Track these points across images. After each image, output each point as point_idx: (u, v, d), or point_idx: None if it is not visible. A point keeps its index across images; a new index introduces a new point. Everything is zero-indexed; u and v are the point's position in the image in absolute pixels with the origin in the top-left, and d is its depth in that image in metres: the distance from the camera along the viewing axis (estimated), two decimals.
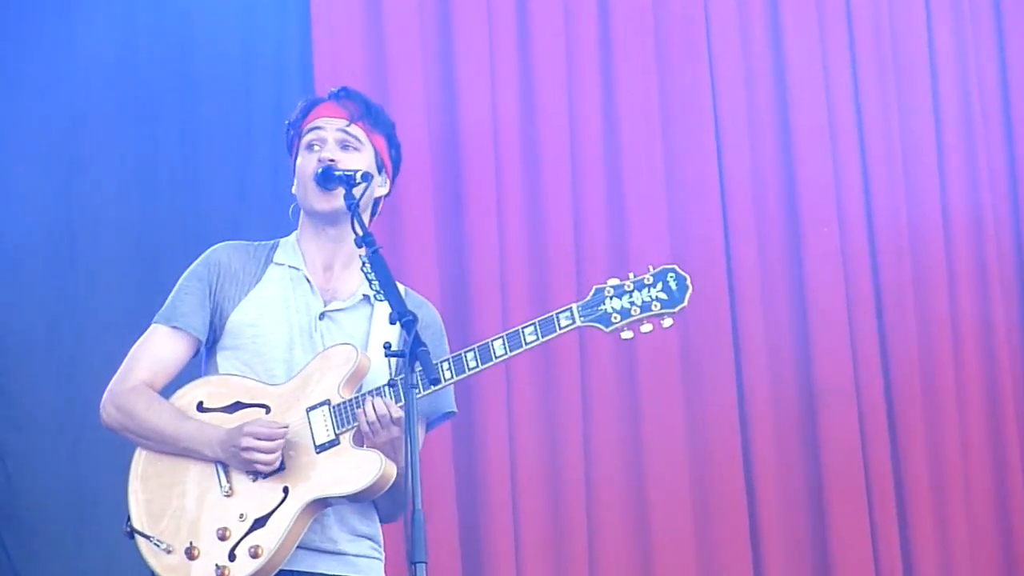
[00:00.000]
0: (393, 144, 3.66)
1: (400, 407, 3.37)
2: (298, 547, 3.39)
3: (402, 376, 3.28)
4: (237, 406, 3.48)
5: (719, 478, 5.66)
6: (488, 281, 5.44)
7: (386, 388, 3.41)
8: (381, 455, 3.37)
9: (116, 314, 5.02)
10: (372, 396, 3.39)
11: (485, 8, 5.60)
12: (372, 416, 3.37)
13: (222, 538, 3.38)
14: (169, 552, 3.40)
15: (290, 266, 3.60)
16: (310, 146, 3.59)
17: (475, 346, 3.44)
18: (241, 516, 3.39)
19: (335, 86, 3.72)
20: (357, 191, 3.46)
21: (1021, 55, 6.29)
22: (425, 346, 3.14)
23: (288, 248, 3.64)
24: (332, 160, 3.52)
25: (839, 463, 5.77)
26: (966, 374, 6.02)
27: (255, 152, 5.20)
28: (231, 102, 5.27)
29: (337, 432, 3.42)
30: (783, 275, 5.89)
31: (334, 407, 3.43)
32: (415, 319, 3.18)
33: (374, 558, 3.57)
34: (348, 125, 3.58)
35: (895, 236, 5.99)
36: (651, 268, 3.52)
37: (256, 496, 3.40)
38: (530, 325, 3.45)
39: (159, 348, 3.56)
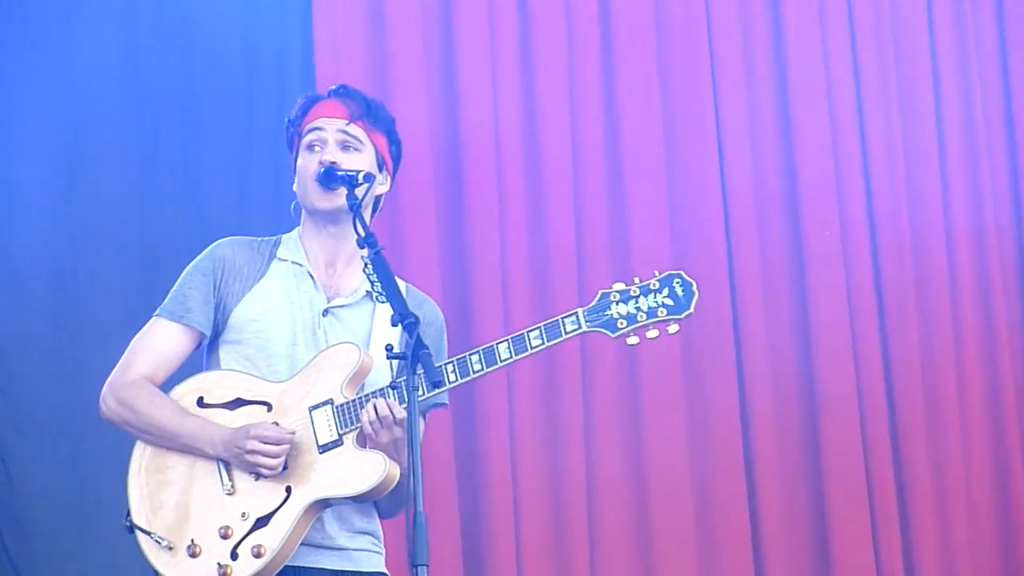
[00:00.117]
0: (393, 141, 3.66)
1: (403, 408, 3.36)
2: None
3: (404, 378, 3.27)
4: (238, 402, 3.48)
5: (720, 481, 5.67)
6: (489, 283, 5.43)
7: (388, 390, 3.40)
8: (385, 456, 3.36)
9: (117, 316, 4.99)
10: (375, 397, 3.39)
11: (486, 10, 5.59)
12: (374, 417, 3.36)
13: (224, 536, 3.37)
14: (170, 549, 3.39)
15: (293, 262, 3.60)
16: (310, 146, 3.58)
17: (479, 349, 3.43)
18: (243, 515, 3.38)
19: (334, 84, 3.71)
20: (359, 191, 3.46)
21: (1023, 57, 6.28)
22: (427, 348, 3.13)
23: (291, 244, 3.63)
24: (333, 162, 3.52)
25: (841, 466, 5.77)
26: (968, 377, 6.02)
27: (257, 154, 5.20)
28: (233, 104, 5.27)
29: (340, 432, 3.41)
30: (785, 278, 5.89)
31: (337, 407, 3.42)
32: (417, 321, 3.17)
33: (374, 552, 3.56)
34: (348, 125, 3.57)
35: (897, 239, 5.99)
36: (656, 273, 3.51)
37: (258, 495, 3.39)
38: (535, 329, 3.44)
39: (161, 342, 3.55)
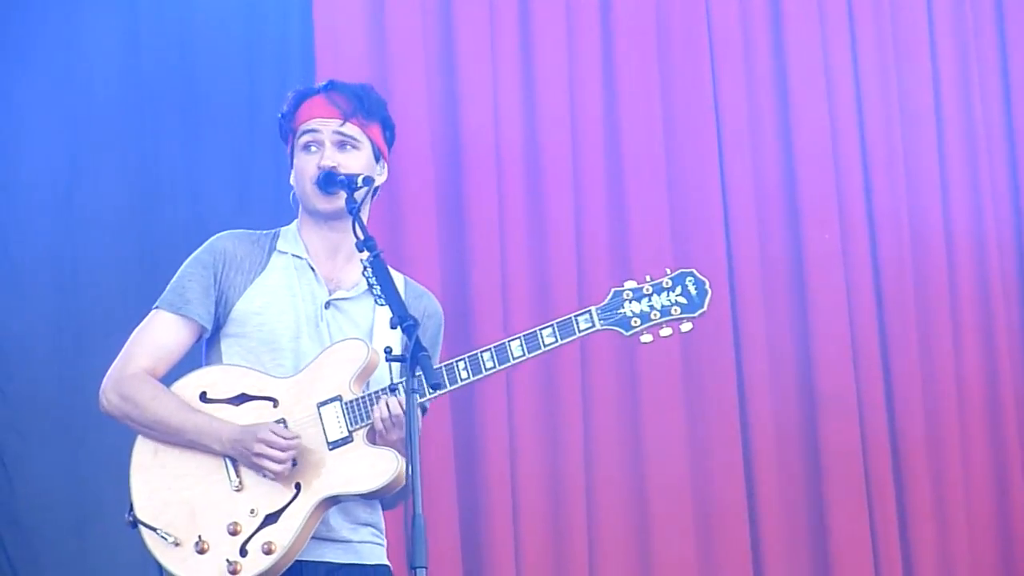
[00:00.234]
0: (387, 127, 3.65)
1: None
2: None
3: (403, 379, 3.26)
4: (243, 398, 3.45)
5: (720, 483, 5.65)
6: (489, 285, 5.41)
7: (389, 393, 3.38)
8: (396, 453, 3.34)
9: (118, 317, 4.88)
10: (387, 394, 3.36)
11: (487, 12, 5.57)
12: (387, 414, 3.34)
13: (232, 533, 3.34)
14: (177, 545, 3.36)
15: (293, 255, 3.58)
16: (307, 147, 3.56)
17: (491, 347, 3.41)
18: (252, 511, 3.36)
19: (324, 80, 3.70)
20: (359, 195, 3.44)
21: (1023, 59, 6.29)
22: (426, 351, 3.11)
23: (290, 237, 3.61)
24: (332, 166, 3.50)
25: (840, 469, 5.77)
26: (967, 380, 6.02)
27: (257, 154, 5.19)
28: (233, 104, 5.25)
29: (350, 429, 3.39)
30: (784, 280, 5.88)
31: (346, 403, 3.40)
32: (416, 324, 3.15)
33: (376, 544, 3.54)
34: (343, 125, 3.55)
35: (896, 241, 5.99)
36: (668, 271, 3.51)
37: (267, 491, 3.36)
38: (548, 327, 3.43)
39: (162, 335, 3.52)
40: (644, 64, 5.81)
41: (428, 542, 2.97)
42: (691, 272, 3.51)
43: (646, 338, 3.48)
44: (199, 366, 3.56)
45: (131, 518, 3.41)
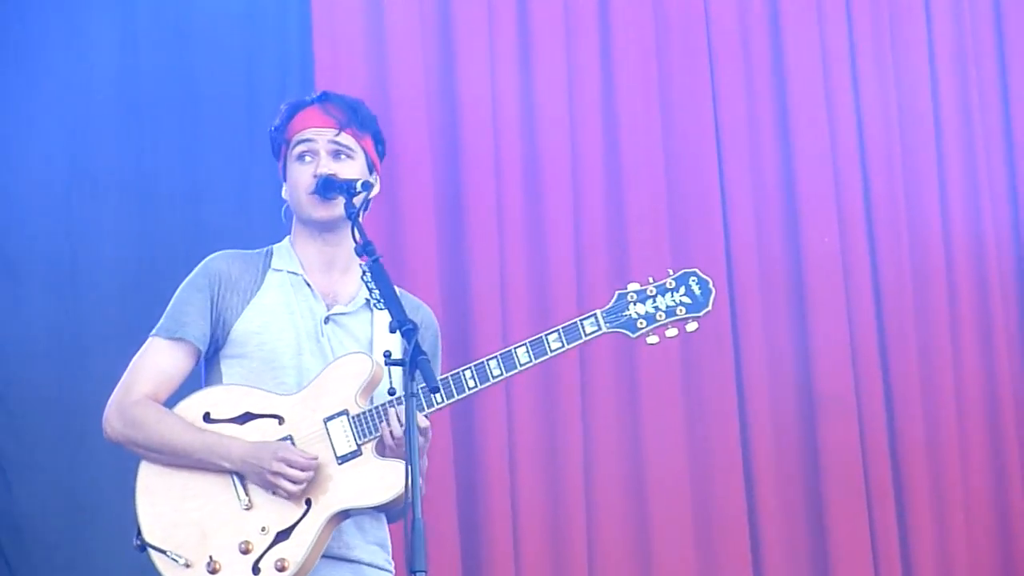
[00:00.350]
0: (379, 140, 3.65)
1: (424, 416, 3.36)
2: None
3: (421, 384, 3.24)
4: (247, 416, 3.43)
5: (719, 485, 5.64)
6: (488, 289, 5.40)
7: (396, 404, 3.36)
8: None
9: (116, 324, 4.97)
10: (395, 406, 3.35)
11: (486, 13, 5.57)
12: (396, 426, 3.33)
13: (244, 551, 3.32)
14: (188, 567, 3.33)
15: (288, 271, 3.57)
16: (301, 157, 3.56)
17: (497, 354, 3.42)
18: (263, 529, 3.34)
19: (317, 92, 3.70)
20: (357, 200, 3.43)
21: (1021, 60, 6.29)
22: (425, 355, 3.10)
23: (283, 253, 3.60)
24: (330, 174, 3.50)
25: (839, 470, 5.76)
26: (966, 381, 6.02)
27: (257, 160, 5.16)
28: (232, 109, 5.24)
29: (359, 443, 3.38)
30: (783, 282, 5.87)
31: (353, 417, 3.38)
32: (415, 328, 3.14)
33: (387, 571, 3.53)
34: (338, 134, 3.55)
35: (895, 243, 5.98)
36: (671, 272, 3.53)
37: (277, 509, 3.35)
38: (553, 332, 3.44)
39: (161, 360, 3.50)
40: (643, 67, 5.80)
41: (427, 543, 2.97)
42: (694, 272, 3.53)
43: (652, 339, 3.48)
44: (197, 389, 3.54)
45: (139, 542, 3.39)
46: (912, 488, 5.87)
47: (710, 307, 3.50)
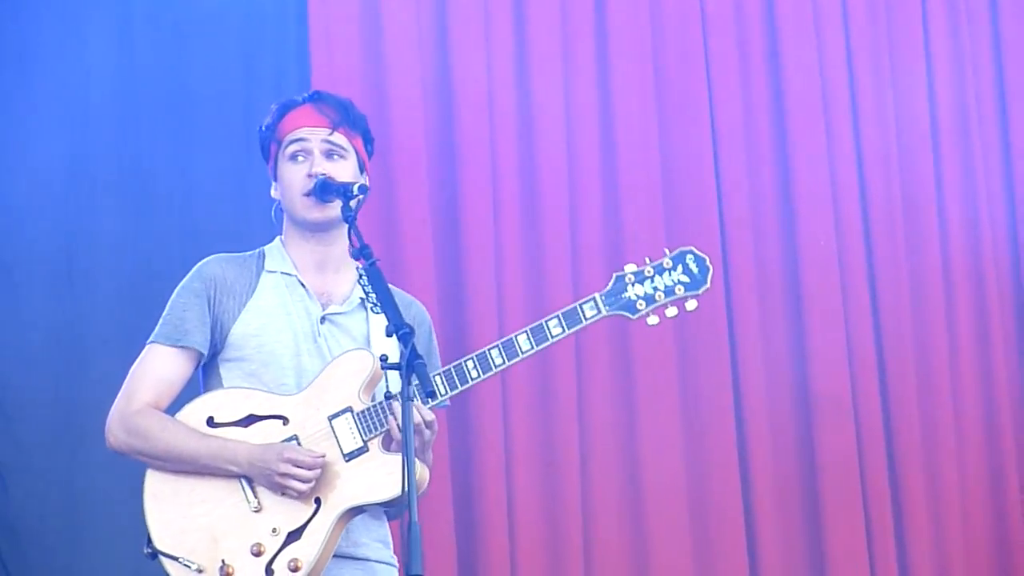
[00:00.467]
0: (369, 139, 3.65)
1: (429, 409, 3.36)
2: None
3: (417, 385, 3.23)
4: (251, 419, 3.43)
5: (716, 486, 5.62)
6: (484, 287, 5.38)
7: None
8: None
9: (114, 326, 4.97)
10: (399, 400, 3.34)
11: (482, 13, 5.54)
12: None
13: (256, 554, 3.32)
14: (200, 572, 3.33)
15: (283, 272, 3.57)
16: (294, 156, 3.55)
17: (499, 343, 3.43)
18: (274, 530, 3.33)
19: (308, 92, 3.69)
20: (354, 203, 3.42)
21: (1018, 63, 6.27)
22: (422, 359, 3.11)
23: (276, 254, 3.60)
24: (326, 174, 3.49)
25: (836, 472, 5.73)
26: (963, 383, 6.01)
27: (253, 162, 5.13)
28: (229, 114, 5.22)
29: (365, 439, 3.38)
30: (780, 285, 5.85)
31: (358, 414, 3.39)
32: (412, 332, 3.14)
33: (393, 566, 3.53)
34: (331, 134, 3.55)
35: (892, 246, 5.97)
36: (667, 251, 3.54)
37: (287, 509, 3.34)
38: (554, 318, 3.44)
39: (161, 367, 3.49)
40: (639, 72, 5.77)
41: (423, 539, 2.97)
42: (690, 250, 3.53)
43: (652, 320, 3.49)
44: (196, 395, 3.53)
45: (150, 550, 3.38)
46: (908, 489, 5.85)
47: (708, 284, 3.50)
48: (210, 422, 3.43)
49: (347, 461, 3.36)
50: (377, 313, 3.42)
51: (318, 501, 3.34)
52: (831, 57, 6.03)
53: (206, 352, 3.50)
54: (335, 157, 3.54)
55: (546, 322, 3.44)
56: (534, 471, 5.41)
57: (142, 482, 3.44)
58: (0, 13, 5.12)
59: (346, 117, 3.57)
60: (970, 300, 6.08)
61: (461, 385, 3.41)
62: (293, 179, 3.53)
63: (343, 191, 3.43)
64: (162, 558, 3.36)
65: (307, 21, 5.30)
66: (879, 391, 5.88)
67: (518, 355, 3.41)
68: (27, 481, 4.96)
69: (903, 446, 5.88)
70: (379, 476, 3.34)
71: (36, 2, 5.17)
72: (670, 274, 3.49)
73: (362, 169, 3.60)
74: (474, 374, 3.40)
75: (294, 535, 3.32)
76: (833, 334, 5.82)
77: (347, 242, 3.50)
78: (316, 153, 3.53)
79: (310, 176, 3.50)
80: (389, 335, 3.15)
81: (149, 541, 3.38)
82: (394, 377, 3.27)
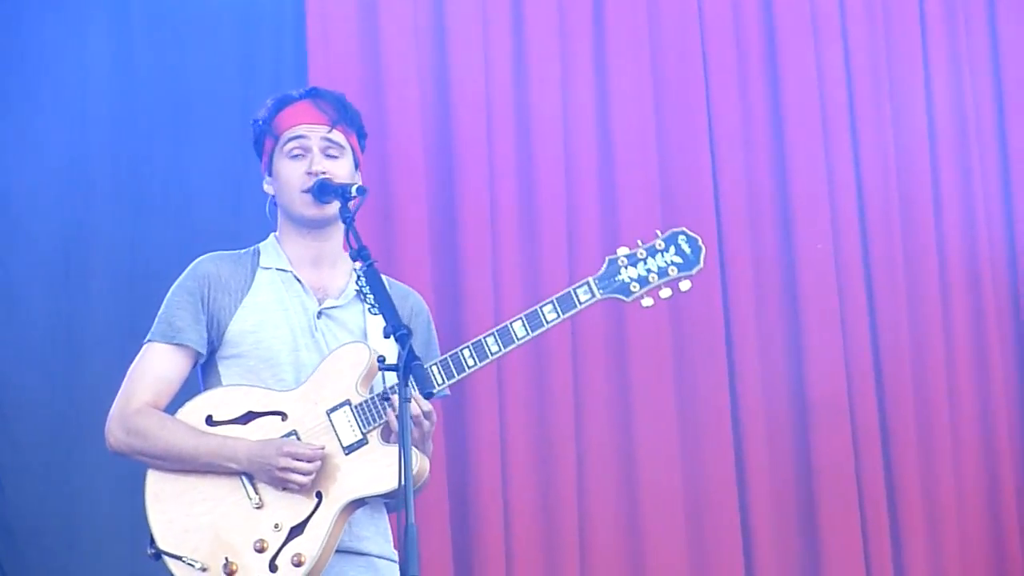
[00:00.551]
0: (362, 135, 3.65)
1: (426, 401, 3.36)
2: None
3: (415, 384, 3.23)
4: (250, 416, 3.43)
5: (712, 490, 5.62)
6: (481, 290, 5.38)
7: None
8: (414, 450, 3.31)
9: (110, 327, 4.98)
10: (396, 392, 3.34)
11: (479, 12, 5.53)
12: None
13: (259, 550, 3.32)
14: (204, 570, 3.33)
15: (278, 268, 3.57)
16: (293, 153, 3.55)
17: (494, 330, 3.43)
18: (276, 526, 3.34)
19: (304, 87, 3.69)
20: (352, 205, 3.42)
21: (1015, 64, 6.26)
22: (419, 360, 3.12)
23: (270, 251, 3.60)
24: (325, 174, 3.50)
25: (832, 476, 5.73)
26: (959, 387, 6.00)
27: (251, 165, 5.13)
28: (227, 115, 5.22)
29: (364, 431, 3.38)
30: (777, 289, 5.84)
31: (356, 406, 3.39)
32: (410, 333, 3.14)
33: (393, 560, 3.53)
34: (330, 131, 3.56)
35: (889, 249, 5.96)
36: (659, 233, 3.53)
37: (288, 505, 3.35)
38: (548, 304, 3.44)
39: (159, 366, 3.49)
40: (637, 69, 5.76)
41: (419, 531, 2.99)
42: (682, 230, 3.53)
43: (647, 302, 3.49)
44: (196, 394, 3.53)
45: (153, 550, 3.38)
46: (904, 491, 5.84)
47: (701, 264, 3.50)
48: (209, 420, 3.44)
49: (347, 454, 3.37)
50: (375, 314, 3.42)
51: (319, 495, 3.34)
52: (829, 58, 6.01)
53: (203, 350, 3.50)
54: (333, 155, 3.55)
55: (541, 308, 3.44)
56: (530, 470, 5.41)
57: (143, 483, 3.43)
58: None
59: (344, 114, 3.58)
60: (967, 302, 6.07)
61: (458, 374, 3.40)
62: (291, 176, 3.53)
63: (341, 192, 3.43)
64: (166, 558, 3.36)
65: (304, 21, 5.30)
66: (875, 392, 5.88)
67: (514, 341, 3.41)
68: (24, 481, 4.97)
69: (899, 448, 5.87)
70: (379, 468, 3.34)
71: (35, 3, 5.17)
72: (663, 255, 3.49)
73: (356, 166, 3.60)
74: (471, 363, 3.39)
75: (296, 530, 3.32)
76: (830, 336, 5.81)
77: (342, 237, 3.52)
78: (315, 151, 3.53)
79: (309, 174, 3.50)
80: (387, 336, 3.15)
81: (152, 542, 3.38)
82: (393, 378, 3.25)
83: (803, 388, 5.78)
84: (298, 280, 3.55)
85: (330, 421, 3.39)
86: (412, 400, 3.29)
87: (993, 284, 6.12)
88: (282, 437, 3.38)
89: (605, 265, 3.49)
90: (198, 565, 3.33)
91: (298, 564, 3.30)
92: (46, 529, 4.94)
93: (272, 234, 3.64)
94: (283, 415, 3.42)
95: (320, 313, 3.52)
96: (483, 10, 5.55)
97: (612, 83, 5.73)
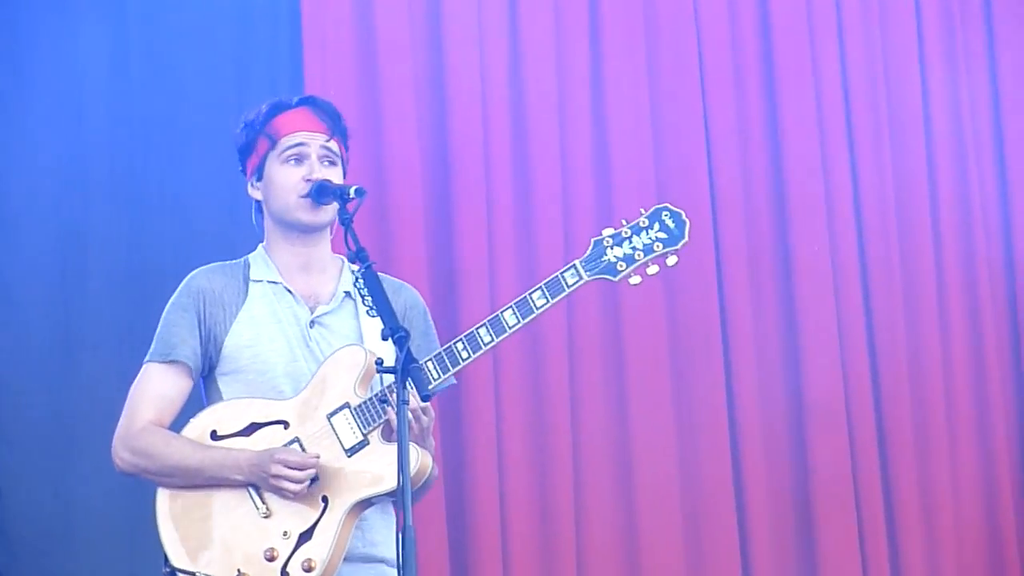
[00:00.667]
0: (347, 144, 3.68)
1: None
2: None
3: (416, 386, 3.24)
4: (253, 427, 3.45)
5: (709, 492, 5.60)
6: (478, 291, 5.38)
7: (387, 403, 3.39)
8: (415, 446, 3.34)
9: (107, 332, 4.98)
10: (394, 391, 3.35)
11: (475, 13, 5.52)
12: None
13: (270, 559, 3.34)
14: None
15: (268, 281, 3.58)
16: (290, 159, 3.56)
17: (486, 321, 3.43)
18: (285, 534, 3.35)
19: (299, 95, 3.72)
20: (351, 206, 3.43)
21: (1011, 61, 6.25)
22: (417, 362, 3.14)
23: (259, 262, 3.62)
24: (325, 180, 3.52)
25: (828, 479, 5.72)
26: (956, 389, 5.99)
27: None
28: (222, 119, 5.18)
29: (364, 432, 3.40)
30: (773, 290, 5.83)
31: (355, 408, 3.40)
32: (407, 335, 3.15)
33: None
34: (328, 140, 3.58)
35: (885, 250, 5.95)
36: (643, 211, 3.53)
37: (295, 511, 3.36)
38: (536, 290, 3.44)
39: (159, 385, 3.52)
40: (633, 67, 5.75)
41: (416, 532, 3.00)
42: (665, 207, 3.54)
43: (634, 280, 3.49)
44: (200, 409, 3.55)
45: (168, 570, 3.41)
46: (901, 493, 5.83)
47: (687, 238, 3.50)
48: (214, 435, 3.46)
49: (349, 456, 3.38)
50: (373, 316, 3.44)
51: (325, 500, 3.36)
52: (825, 58, 6.00)
53: (198, 366, 3.52)
54: (328, 163, 3.57)
55: (530, 294, 3.44)
56: (526, 469, 5.40)
57: (153, 503, 3.45)
58: None
59: (338, 124, 3.61)
60: (963, 303, 6.06)
61: (452, 367, 3.41)
62: (287, 181, 3.55)
63: (340, 194, 3.45)
64: (180, 575, 3.38)
65: (300, 21, 5.30)
66: (872, 393, 5.86)
67: (505, 331, 3.41)
68: (21, 486, 4.97)
69: (895, 448, 5.86)
70: (382, 467, 3.35)
71: (31, 5, 5.18)
72: (647, 232, 3.49)
73: (344, 175, 3.62)
74: (464, 355, 3.40)
75: (305, 536, 3.34)
76: (826, 336, 5.80)
77: (329, 243, 3.54)
78: (314, 158, 3.55)
79: (308, 180, 3.52)
80: (385, 339, 3.16)
81: (166, 561, 3.40)
82: (391, 379, 3.29)
83: (799, 388, 5.77)
84: (289, 291, 3.56)
85: (331, 425, 3.41)
86: (412, 398, 3.31)
87: (990, 285, 6.11)
88: (284, 445, 3.40)
89: (591, 247, 3.49)
90: None
91: (309, 569, 3.31)
92: (43, 534, 4.95)
93: (260, 245, 3.65)
94: (285, 423, 3.43)
95: (312, 322, 3.54)
96: (479, 11, 5.55)
97: (608, 83, 5.73)
